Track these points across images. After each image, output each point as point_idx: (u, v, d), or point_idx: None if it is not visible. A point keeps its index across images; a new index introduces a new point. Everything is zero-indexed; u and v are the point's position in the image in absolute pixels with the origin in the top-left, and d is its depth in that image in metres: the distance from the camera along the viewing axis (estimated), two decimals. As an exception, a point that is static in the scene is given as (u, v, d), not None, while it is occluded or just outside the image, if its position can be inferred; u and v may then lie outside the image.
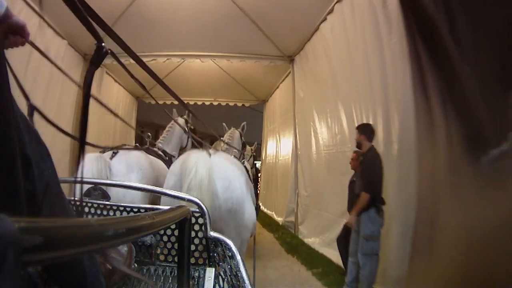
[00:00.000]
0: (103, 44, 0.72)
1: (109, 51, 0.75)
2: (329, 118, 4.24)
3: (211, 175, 1.73)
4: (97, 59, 0.74)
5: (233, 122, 3.79)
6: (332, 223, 3.99)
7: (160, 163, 2.75)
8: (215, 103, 8.45)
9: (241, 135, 3.58)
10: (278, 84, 7.08)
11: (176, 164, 1.99)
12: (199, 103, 8.25)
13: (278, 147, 7.41)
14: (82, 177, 0.77)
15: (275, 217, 6.91)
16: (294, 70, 5.66)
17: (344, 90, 3.80)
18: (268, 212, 7.67)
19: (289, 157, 6.00)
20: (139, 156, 2.54)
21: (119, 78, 6.92)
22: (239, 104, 8.65)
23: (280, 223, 6.08)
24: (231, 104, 8.60)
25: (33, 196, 0.57)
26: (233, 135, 3.44)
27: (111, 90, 6.78)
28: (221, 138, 3.18)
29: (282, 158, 6.96)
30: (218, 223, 1.67)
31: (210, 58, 5.73)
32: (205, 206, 1.18)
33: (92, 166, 2.09)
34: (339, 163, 3.79)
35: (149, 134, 3.29)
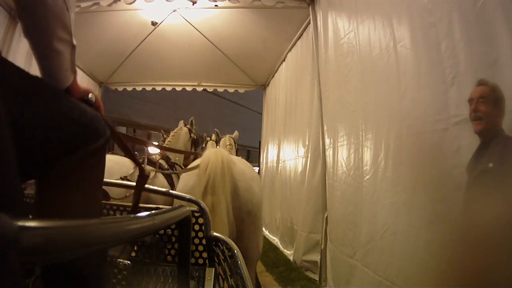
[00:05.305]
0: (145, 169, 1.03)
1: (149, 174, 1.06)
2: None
3: (233, 173, 1.69)
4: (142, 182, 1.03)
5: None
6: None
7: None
8: (199, 89, 6.26)
9: (235, 143, 3.61)
10: (285, 55, 4.83)
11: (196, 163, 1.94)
12: (178, 88, 6.07)
13: (283, 143, 4.72)
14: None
15: (281, 247, 4.16)
16: (316, 18, 3.35)
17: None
18: (270, 237, 4.78)
19: (307, 157, 3.49)
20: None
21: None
22: (231, 90, 6.37)
23: (294, 262, 3.51)
24: (220, 89, 6.41)
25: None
26: (231, 143, 3.45)
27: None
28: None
29: (293, 158, 4.08)
30: (238, 226, 1.64)
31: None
32: (205, 206, 1.18)
33: None
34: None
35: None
